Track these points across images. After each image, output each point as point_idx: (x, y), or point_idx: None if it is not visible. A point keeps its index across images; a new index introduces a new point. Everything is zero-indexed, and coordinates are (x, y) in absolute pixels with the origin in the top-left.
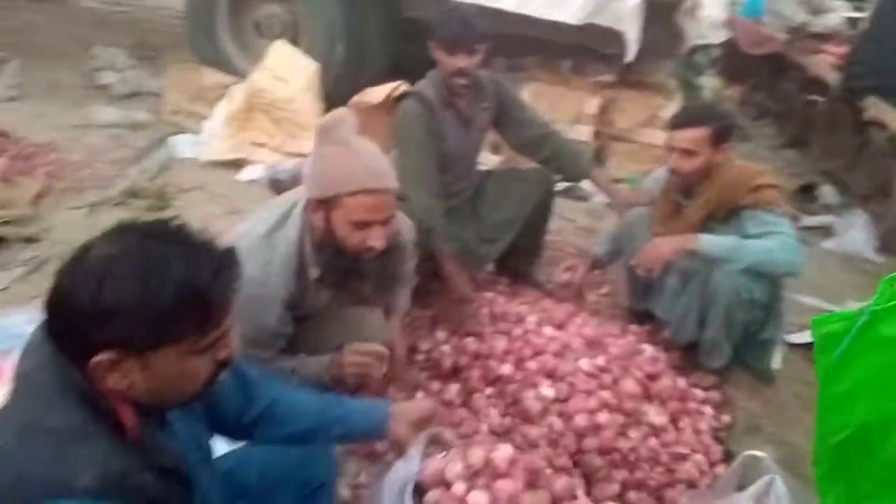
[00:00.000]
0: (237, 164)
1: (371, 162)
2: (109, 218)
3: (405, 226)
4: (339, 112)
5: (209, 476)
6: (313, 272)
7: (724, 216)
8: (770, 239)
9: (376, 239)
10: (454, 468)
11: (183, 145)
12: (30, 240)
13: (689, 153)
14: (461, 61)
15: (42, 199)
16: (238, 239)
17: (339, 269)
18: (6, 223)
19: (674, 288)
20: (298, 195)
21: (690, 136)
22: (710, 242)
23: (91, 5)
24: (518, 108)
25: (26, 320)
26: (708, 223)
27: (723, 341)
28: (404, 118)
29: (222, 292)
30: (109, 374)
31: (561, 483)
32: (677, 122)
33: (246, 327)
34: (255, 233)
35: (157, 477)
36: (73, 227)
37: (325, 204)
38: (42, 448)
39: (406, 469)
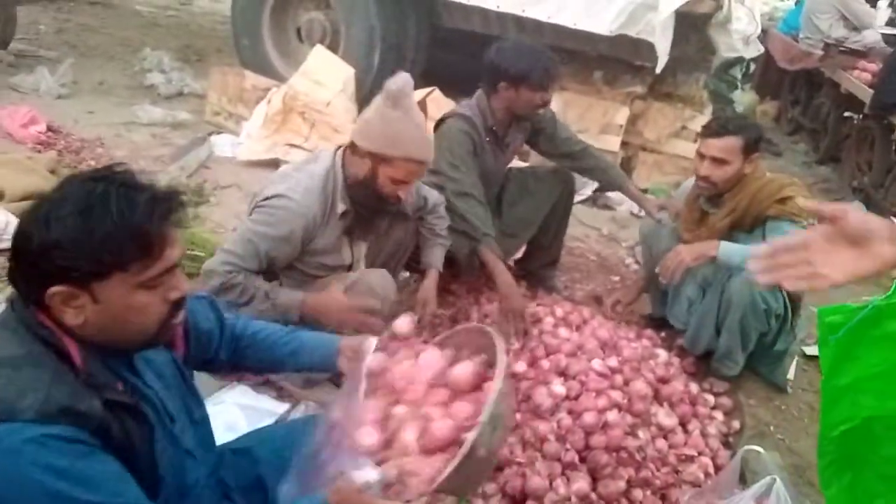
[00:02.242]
0: (273, 164)
1: (424, 135)
2: None
3: (432, 194)
4: (405, 77)
5: (198, 436)
6: (340, 206)
7: (749, 225)
8: None
9: (406, 192)
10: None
11: (222, 145)
12: None
13: (720, 162)
14: (548, 95)
15: None
16: (276, 174)
17: (366, 205)
18: None
19: (691, 298)
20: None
21: (722, 144)
22: (728, 250)
23: (141, 9)
24: (552, 125)
25: None
26: (733, 232)
27: (737, 350)
28: (455, 136)
29: (161, 224)
30: (65, 310)
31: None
32: (710, 131)
33: (254, 229)
34: (289, 166)
35: (106, 407)
36: None
37: (375, 156)
38: None
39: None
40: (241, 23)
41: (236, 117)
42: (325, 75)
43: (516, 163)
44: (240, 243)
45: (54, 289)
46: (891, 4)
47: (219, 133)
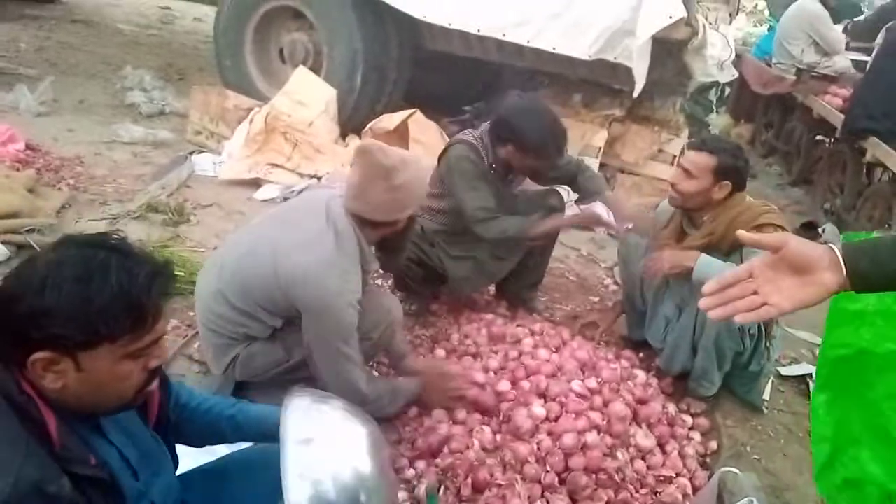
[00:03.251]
0: (254, 183)
1: (426, 165)
2: (128, 230)
3: None
4: (374, 143)
5: (162, 487)
6: (375, 265)
7: (726, 250)
8: None
9: None
10: None
11: (203, 164)
12: None
13: (688, 173)
14: (551, 164)
15: (66, 210)
16: (314, 259)
17: (397, 247)
18: (30, 231)
19: (668, 317)
20: (324, 202)
21: (696, 159)
22: (706, 263)
23: (123, 28)
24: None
25: None
26: (709, 255)
27: (713, 369)
28: (461, 162)
29: (157, 298)
30: (45, 374)
31: None
32: (693, 144)
33: (339, 331)
34: (327, 248)
35: (77, 484)
36: None
37: (410, 218)
38: None
39: None
40: (224, 43)
41: (218, 136)
42: (307, 96)
43: None
44: (344, 341)
45: (38, 355)
46: (844, 30)
47: (200, 152)
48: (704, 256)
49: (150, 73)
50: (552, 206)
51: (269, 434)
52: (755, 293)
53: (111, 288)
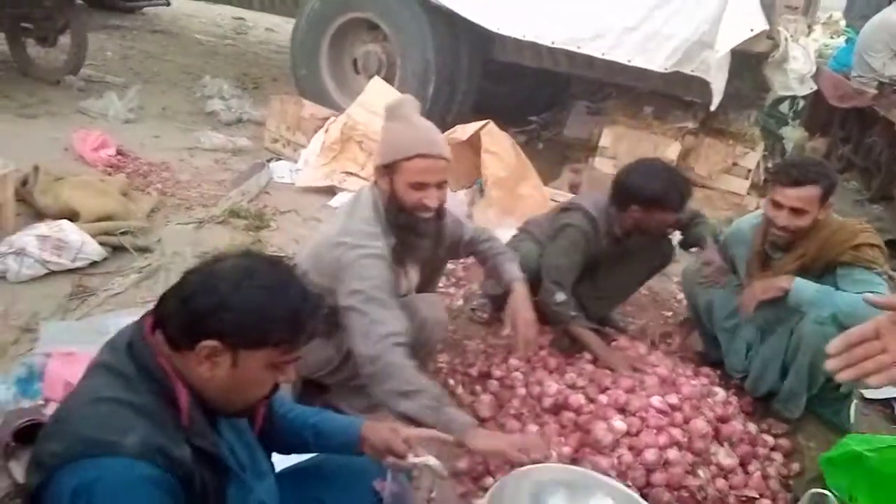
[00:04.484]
0: (329, 191)
1: (425, 133)
2: (213, 234)
3: (466, 229)
4: (405, 95)
5: (266, 489)
6: (390, 240)
7: (819, 271)
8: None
9: (431, 199)
10: None
11: (281, 171)
12: (143, 250)
13: (799, 212)
14: (681, 214)
15: (155, 213)
16: (329, 228)
17: (404, 227)
18: (124, 233)
19: (750, 341)
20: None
21: (802, 194)
22: (802, 284)
23: (201, 38)
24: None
25: None
26: (801, 276)
27: (802, 392)
28: (573, 231)
29: (315, 320)
30: (204, 362)
31: None
32: (788, 180)
33: (365, 284)
34: (341, 217)
35: (196, 456)
36: (181, 240)
37: (388, 169)
38: (96, 414)
39: None
40: (300, 53)
41: (294, 145)
42: (381, 106)
43: None
44: (375, 299)
45: (209, 342)
46: None
47: (277, 160)
48: (800, 279)
49: (228, 81)
50: (664, 253)
51: (349, 446)
52: (884, 351)
53: (289, 302)
